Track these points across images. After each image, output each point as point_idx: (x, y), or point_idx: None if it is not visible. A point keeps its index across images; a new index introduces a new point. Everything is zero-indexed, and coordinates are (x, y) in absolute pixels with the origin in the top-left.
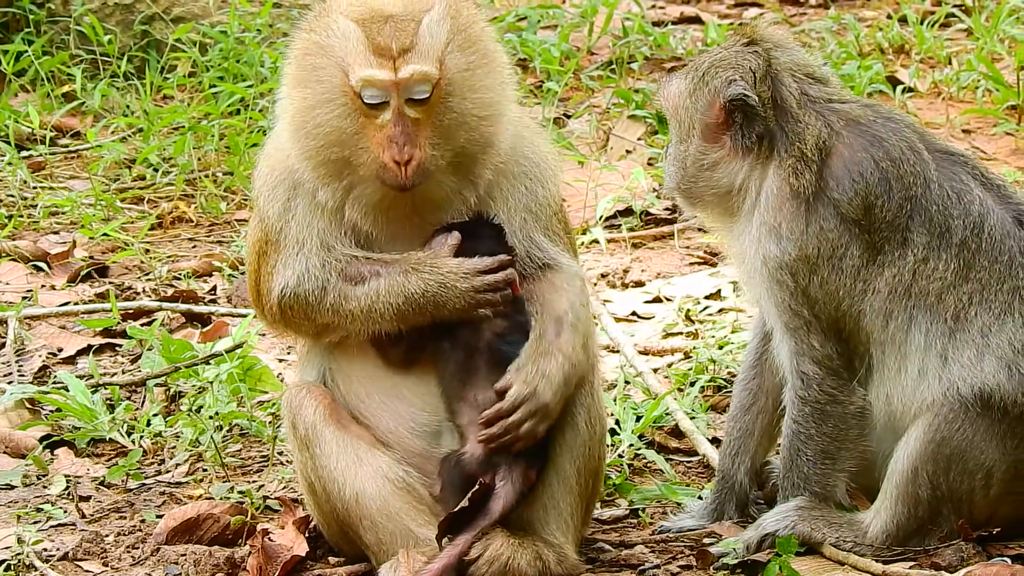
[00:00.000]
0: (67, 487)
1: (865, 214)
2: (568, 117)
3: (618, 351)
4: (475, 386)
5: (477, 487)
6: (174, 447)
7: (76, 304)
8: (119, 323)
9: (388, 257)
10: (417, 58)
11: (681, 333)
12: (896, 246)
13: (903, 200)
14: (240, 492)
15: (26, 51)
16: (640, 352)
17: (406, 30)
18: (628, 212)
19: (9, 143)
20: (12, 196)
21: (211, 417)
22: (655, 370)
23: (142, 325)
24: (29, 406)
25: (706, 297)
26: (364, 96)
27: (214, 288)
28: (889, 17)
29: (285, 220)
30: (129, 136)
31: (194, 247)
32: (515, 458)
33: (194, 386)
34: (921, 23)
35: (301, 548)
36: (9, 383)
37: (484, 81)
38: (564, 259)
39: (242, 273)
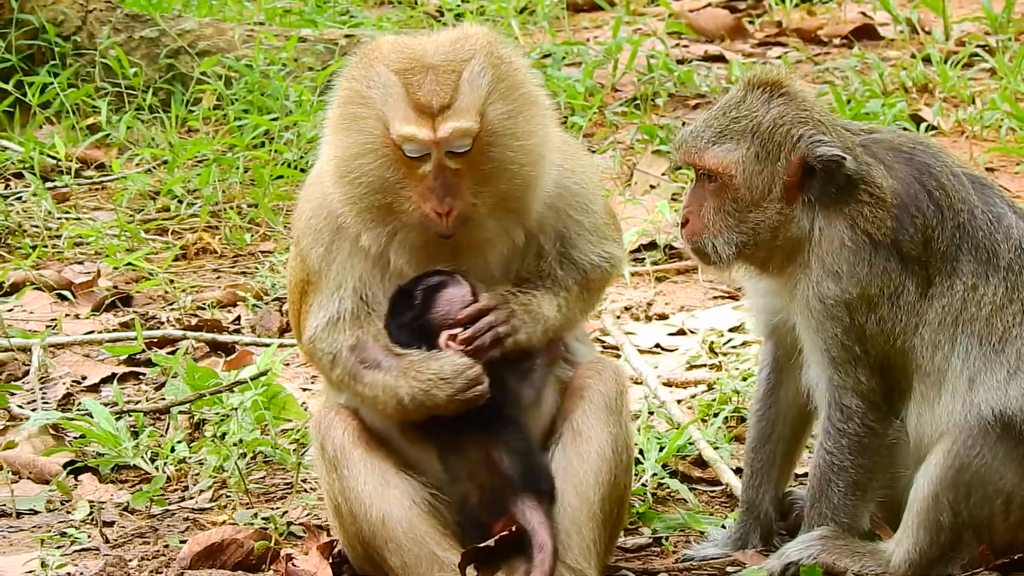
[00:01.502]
0: (91, 512)
1: (924, 249)
2: (593, 152)
3: (642, 382)
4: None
5: (505, 533)
6: (198, 474)
7: (100, 333)
8: (144, 351)
9: (395, 348)
10: (456, 115)
11: (705, 365)
12: (945, 276)
13: (954, 228)
14: (264, 518)
15: (51, 83)
16: (664, 383)
17: (447, 84)
18: (652, 246)
19: (35, 174)
20: (37, 226)
21: (235, 444)
22: (679, 401)
23: (167, 354)
24: (53, 432)
25: (730, 330)
26: (405, 150)
27: (238, 318)
28: (913, 56)
29: (327, 262)
30: (154, 168)
31: (218, 278)
32: (521, 497)
33: (218, 414)
34: (944, 62)
35: (325, 573)
36: (33, 410)
37: (526, 127)
38: (613, 250)
39: (267, 303)
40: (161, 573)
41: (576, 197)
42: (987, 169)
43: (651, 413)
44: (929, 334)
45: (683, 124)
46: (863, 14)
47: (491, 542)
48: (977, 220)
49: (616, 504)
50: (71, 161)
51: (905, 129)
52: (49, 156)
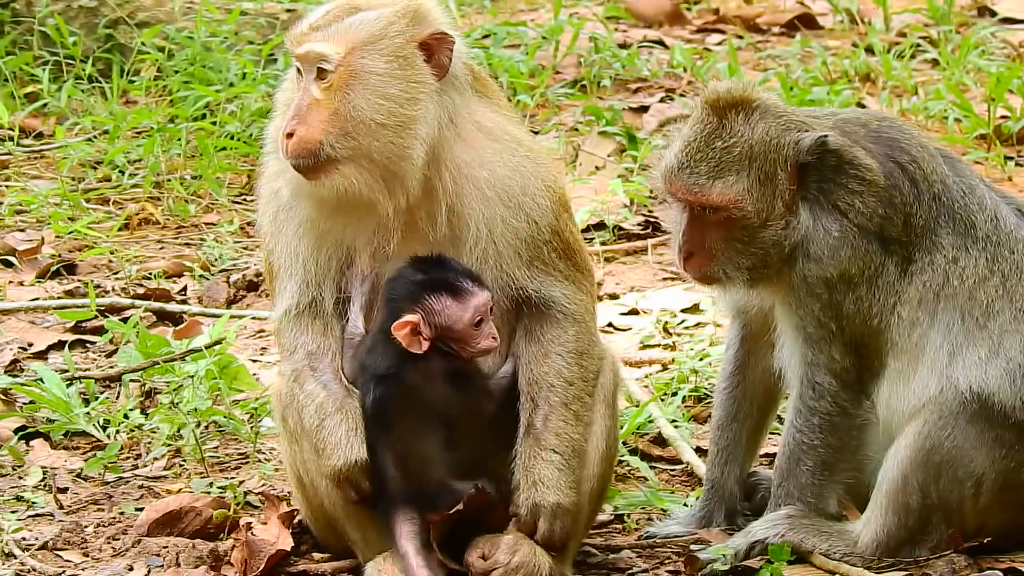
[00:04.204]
0: (44, 478)
1: (904, 227)
2: (536, 133)
3: None
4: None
5: (474, 493)
6: (150, 442)
7: (45, 300)
8: (96, 316)
9: (347, 383)
10: (320, 37)
11: (659, 345)
12: (926, 252)
13: (931, 201)
14: (220, 487)
15: None
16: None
17: (335, 15)
18: (601, 226)
19: None
20: None
21: (189, 413)
22: (634, 380)
23: (118, 321)
24: (3, 398)
25: (682, 311)
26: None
27: (184, 288)
28: (855, 46)
29: (275, 238)
30: (94, 138)
31: (161, 248)
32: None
33: (169, 383)
34: (887, 52)
35: (286, 543)
36: None
37: (391, 91)
38: (558, 292)
39: (214, 275)
40: (118, 540)
41: (507, 191)
42: None
43: None
44: (908, 312)
45: (655, 150)
46: (801, 3)
47: (460, 506)
48: (951, 191)
49: (601, 493)
50: (11, 129)
51: None
52: None
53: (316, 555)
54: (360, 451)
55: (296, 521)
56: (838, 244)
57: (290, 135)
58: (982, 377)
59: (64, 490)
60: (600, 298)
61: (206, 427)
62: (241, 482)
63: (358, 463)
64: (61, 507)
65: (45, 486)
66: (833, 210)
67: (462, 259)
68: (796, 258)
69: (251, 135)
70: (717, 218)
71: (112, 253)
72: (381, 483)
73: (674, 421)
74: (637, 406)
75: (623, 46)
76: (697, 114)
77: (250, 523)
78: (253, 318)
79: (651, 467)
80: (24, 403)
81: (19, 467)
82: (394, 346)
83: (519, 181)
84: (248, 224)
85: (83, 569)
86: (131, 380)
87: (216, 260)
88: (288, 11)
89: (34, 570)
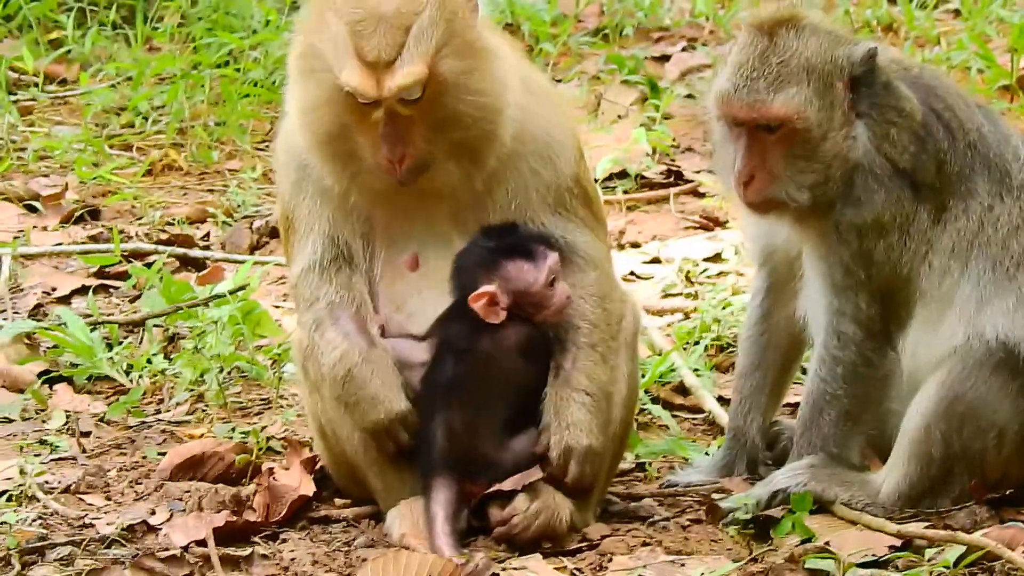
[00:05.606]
0: (67, 422)
1: (937, 173)
2: (558, 82)
3: None
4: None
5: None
6: (173, 387)
7: (69, 245)
8: (120, 262)
9: (368, 328)
10: (402, 70)
11: (681, 294)
12: (960, 199)
13: (966, 148)
14: (243, 433)
15: None
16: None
17: (394, 38)
18: (623, 175)
19: None
20: (1, 139)
21: (211, 358)
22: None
23: (142, 267)
24: (27, 342)
25: (704, 259)
26: (357, 96)
27: (207, 235)
28: None
29: (297, 201)
30: (118, 84)
31: (185, 195)
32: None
33: (193, 328)
34: (910, 2)
35: (308, 488)
36: (4, 319)
37: (480, 84)
38: (579, 238)
39: (237, 220)
40: (141, 483)
41: (537, 143)
42: None
43: None
44: (939, 261)
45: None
46: None
47: (509, 484)
48: (987, 139)
49: (623, 438)
50: (34, 75)
51: None
52: (10, 70)
53: (338, 501)
54: (400, 402)
55: (318, 467)
56: (874, 185)
57: (401, 160)
58: (1009, 326)
59: (87, 434)
60: (622, 247)
61: (229, 372)
62: (263, 427)
63: (399, 415)
64: (84, 451)
65: (68, 430)
66: (873, 138)
67: (494, 207)
68: (836, 200)
69: (274, 83)
70: (778, 136)
71: (135, 199)
72: (427, 450)
73: (696, 370)
74: (659, 355)
75: None
76: (745, 38)
77: (272, 468)
78: (276, 264)
79: (673, 416)
80: (48, 347)
81: (42, 411)
82: (468, 318)
83: (548, 130)
84: (271, 171)
85: (105, 512)
86: (154, 325)
87: (239, 206)
88: None
89: (57, 513)
